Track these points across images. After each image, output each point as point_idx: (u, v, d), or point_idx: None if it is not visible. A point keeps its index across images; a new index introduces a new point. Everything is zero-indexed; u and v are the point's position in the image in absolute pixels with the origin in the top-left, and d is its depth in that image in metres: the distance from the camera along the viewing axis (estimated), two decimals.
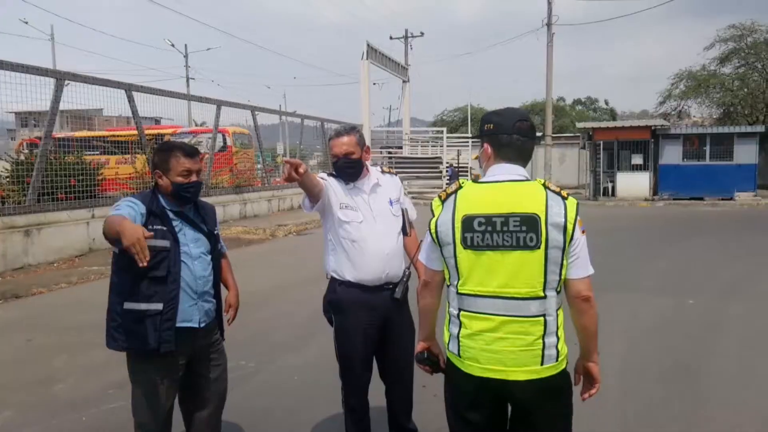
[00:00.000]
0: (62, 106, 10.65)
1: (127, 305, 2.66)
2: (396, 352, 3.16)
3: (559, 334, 2.12)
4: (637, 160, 22.08)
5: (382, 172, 3.22)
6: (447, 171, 25.73)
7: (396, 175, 3.32)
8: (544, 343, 2.08)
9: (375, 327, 3.06)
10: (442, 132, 28.03)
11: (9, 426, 3.84)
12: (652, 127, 22.16)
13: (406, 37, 37.24)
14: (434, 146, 29.57)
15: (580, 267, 2.11)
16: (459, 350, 2.17)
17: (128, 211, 2.58)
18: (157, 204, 2.73)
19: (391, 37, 37.54)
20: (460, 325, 2.16)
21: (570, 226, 2.05)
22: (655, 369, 4.70)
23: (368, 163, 3.16)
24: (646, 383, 4.41)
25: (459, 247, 2.11)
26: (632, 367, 4.73)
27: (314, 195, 2.95)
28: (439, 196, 2.21)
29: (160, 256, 2.65)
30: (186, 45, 45.58)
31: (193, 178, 2.78)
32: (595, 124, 24.65)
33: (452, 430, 2.32)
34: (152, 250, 2.55)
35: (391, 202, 3.12)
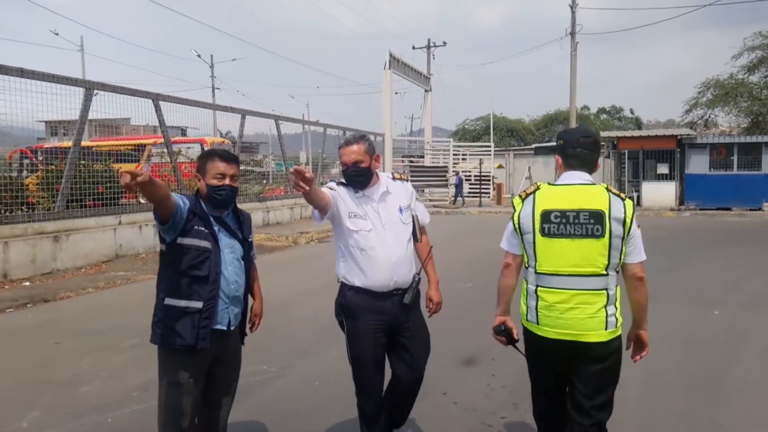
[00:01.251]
0: (91, 115, 10.86)
1: (168, 301, 2.76)
2: (408, 357, 3.18)
3: (617, 305, 2.65)
4: (662, 169, 21.81)
5: (393, 178, 3.23)
6: (454, 179, 25.93)
7: (407, 181, 3.32)
8: (606, 311, 2.61)
9: (383, 330, 3.09)
10: (459, 142, 28.09)
11: (36, 426, 3.92)
12: (678, 137, 21.89)
13: (428, 47, 37.33)
14: (455, 155, 29.52)
15: (636, 254, 2.67)
16: (537, 319, 2.69)
17: (179, 199, 2.71)
18: (200, 207, 2.83)
19: (413, 47, 37.69)
20: (537, 298, 2.68)
21: (628, 221, 2.60)
22: (677, 378, 4.64)
23: (378, 170, 3.18)
24: (667, 392, 4.35)
25: (538, 235, 2.65)
26: (654, 376, 4.66)
27: (320, 208, 2.98)
28: (520, 195, 2.76)
29: (202, 256, 2.76)
30: (212, 55, 46.25)
31: (226, 181, 2.86)
32: (620, 133, 24.42)
33: (533, 382, 2.93)
34: (195, 250, 2.73)
35: (401, 210, 3.13)
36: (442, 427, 3.86)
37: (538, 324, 2.70)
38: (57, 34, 36.56)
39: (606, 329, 2.61)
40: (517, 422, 3.88)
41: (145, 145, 14.47)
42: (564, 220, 2.61)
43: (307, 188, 2.71)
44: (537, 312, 2.69)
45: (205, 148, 16.15)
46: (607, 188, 2.68)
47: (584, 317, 2.60)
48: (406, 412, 3.41)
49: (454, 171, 26.69)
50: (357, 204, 3.07)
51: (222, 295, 2.84)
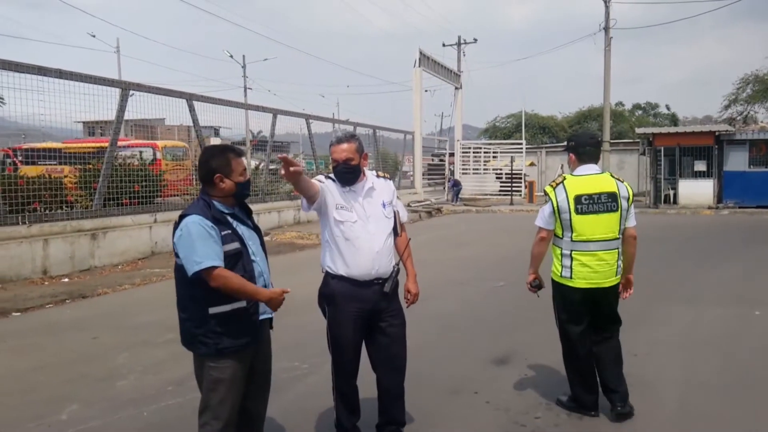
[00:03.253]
0: (126, 116, 11.04)
1: (213, 310, 2.76)
2: (386, 341, 3.38)
3: (621, 258, 3.78)
4: (700, 166, 21.23)
5: (377, 176, 3.44)
6: (449, 182, 27.00)
7: (389, 179, 3.53)
8: (618, 263, 3.75)
9: (363, 318, 3.30)
10: (497, 140, 28.20)
11: (75, 419, 4.02)
12: (716, 133, 21.29)
13: (458, 44, 37.05)
14: (486, 153, 29.28)
15: (632, 220, 3.82)
16: (571, 274, 3.69)
17: (214, 249, 2.70)
18: (216, 210, 2.83)
19: (443, 44, 37.44)
20: (572, 259, 3.68)
21: (630, 198, 3.75)
22: (716, 382, 4.52)
23: (366, 168, 3.39)
24: (706, 397, 4.24)
25: (573, 213, 3.64)
26: (692, 380, 4.56)
27: (309, 197, 3.18)
28: (551, 185, 3.74)
29: (236, 257, 2.79)
30: (244, 56, 46.59)
31: (248, 175, 2.95)
32: (656, 130, 23.87)
33: (563, 325, 3.84)
34: (228, 255, 2.75)
35: (383, 205, 3.35)
36: (474, 427, 3.82)
37: (571, 278, 3.69)
38: (94, 36, 37.39)
39: (616, 275, 3.76)
40: (550, 422, 3.82)
41: (104, 148, 14.62)
42: (590, 201, 3.62)
43: (292, 175, 2.90)
44: (571, 270, 3.68)
45: (157, 153, 15.88)
46: (611, 175, 3.79)
47: (606, 269, 3.68)
48: (401, 405, 3.51)
49: (451, 171, 27.93)
50: (344, 197, 3.27)
51: (260, 285, 2.89)
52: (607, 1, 26.24)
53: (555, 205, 3.65)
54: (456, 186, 26.31)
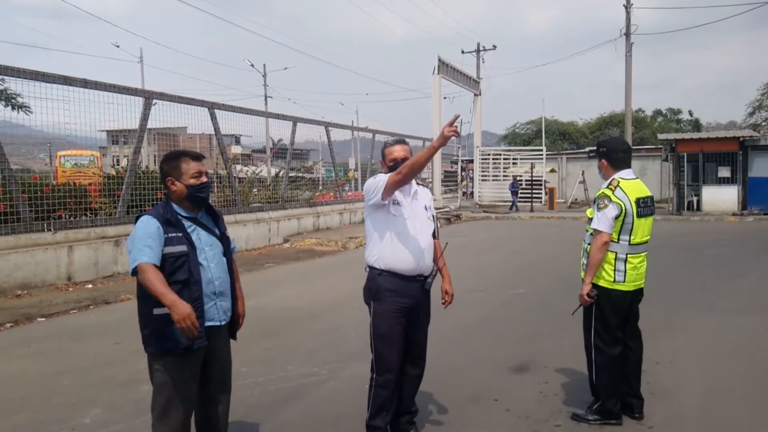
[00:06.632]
0: (149, 124, 11.15)
1: (157, 311, 2.78)
2: (419, 335, 3.55)
3: None
4: (724, 172, 20.94)
5: (417, 183, 3.63)
6: (510, 185, 26.18)
7: (426, 187, 3.80)
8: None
9: (406, 312, 3.43)
10: (515, 147, 28.11)
11: (97, 423, 4.07)
12: (741, 139, 20.99)
13: (478, 51, 37.04)
14: (506, 159, 29.16)
15: None
16: (624, 278, 3.74)
17: (150, 247, 2.74)
18: (171, 212, 2.88)
19: (462, 51, 37.46)
20: (626, 263, 3.73)
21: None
22: (739, 391, 4.43)
23: None
24: (728, 405, 4.16)
25: (635, 216, 3.71)
26: (714, 388, 4.48)
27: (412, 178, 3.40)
28: (609, 188, 3.74)
29: (180, 260, 2.81)
30: (264, 65, 47.03)
31: (203, 179, 2.95)
32: (678, 136, 23.59)
33: (611, 332, 3.79)
34: (172, 257, 2.78)
35: (426, 208, 3.59)
36: None
37: (624, 282, 3.74)
38: (118, 46, 38.00)
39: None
40: (571, 430, 3.78)
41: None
42: (644, 204, 3.76)
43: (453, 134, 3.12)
44: (625, 273, 3.73)
45: (54, 161, 16.38)
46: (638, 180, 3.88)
47: (644, 271, 3.84)
48: (418, 386, 3.69)
49: (515, 175, 26.95)
50: (399, 194, 3.45)
51: (208, 292, 2.89)
52: (628, 6, 26.09)
53: (624, 208, 3.67)
54: (515, 188, 25.34)
